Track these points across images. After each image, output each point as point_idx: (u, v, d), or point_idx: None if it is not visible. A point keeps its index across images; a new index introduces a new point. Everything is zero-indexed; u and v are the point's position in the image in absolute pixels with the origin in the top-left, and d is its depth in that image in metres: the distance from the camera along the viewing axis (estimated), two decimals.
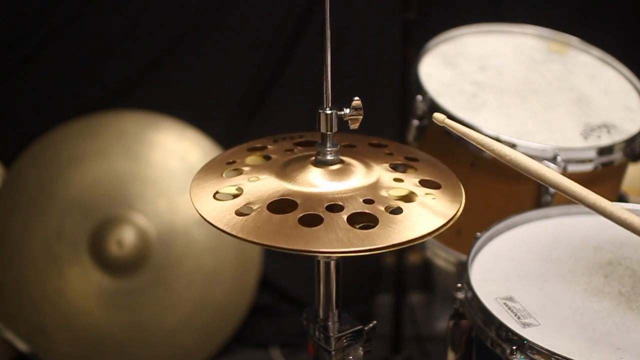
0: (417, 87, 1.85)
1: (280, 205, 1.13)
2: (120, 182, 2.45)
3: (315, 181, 1.18)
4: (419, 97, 1.83)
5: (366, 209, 1.12)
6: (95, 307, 2.42)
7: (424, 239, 1.10)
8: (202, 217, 1.14)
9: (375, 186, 1.17)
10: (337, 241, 1.06)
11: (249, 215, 1.11)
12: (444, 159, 1.32)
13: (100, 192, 2.44)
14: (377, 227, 1.09)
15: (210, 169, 1.26)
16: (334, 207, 1.12)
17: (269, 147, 1.31)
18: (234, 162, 1.26)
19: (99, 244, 2.42)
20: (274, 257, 2.58)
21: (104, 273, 2.42)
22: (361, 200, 1.13)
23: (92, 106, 2.53)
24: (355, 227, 1.09)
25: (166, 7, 2.56)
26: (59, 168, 2.46)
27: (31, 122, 2.55)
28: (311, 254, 1.07)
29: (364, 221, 1.10)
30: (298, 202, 1.13)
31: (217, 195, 1.18)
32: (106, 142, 2.49)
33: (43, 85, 2.56)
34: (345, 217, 1.09)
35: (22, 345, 2.38)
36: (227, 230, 1.09)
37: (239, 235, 1.08)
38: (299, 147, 1.30)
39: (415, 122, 1.85)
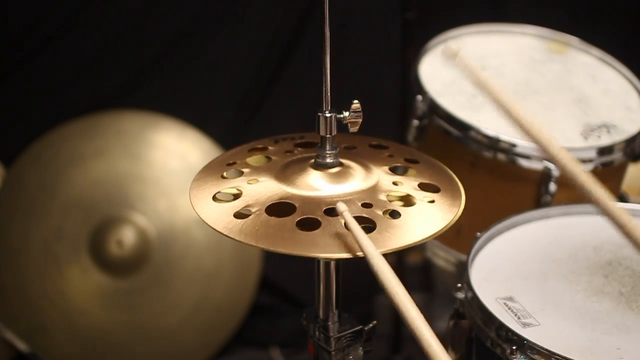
0: (417, 87, 1.85)
1: (279, 208, 1.13)
2: (120, 182, 2.45)
3: (314, 184, 1.18)
4: (419, 97, 1.83)
5: (364, 213, 1.12)
6: (95, 307, 2.42)
7: (421, 242, 1.10)
8: (202, 219, 1.14)
9: (374, 190, 1.17)
10: (334, 246, 1.06)
11: (248, 218, 1.11)
12: (444, 159, 1.31)
13: (100, 192, 2.44)
14: (374, 231, 1.08)
15: (211, 170, 1.26)
16: (333, 211, 1.12)
17: (270, 148, 1.31)
18: (234, 163, 1.26)
19: (99, 244, 2.42)
20: (274, 257, 2.58)
21: (104, 273, 2.41)
22: (359, 204, 1.13)
23: (92, 106, 2.53)
24: None
25: (166, 7, 2.56)
26: (59, 168, 2.46)
27: (31, 122, 2.55)
28: (309, 257, 1.07)
29: (363, 224, 1.10)
30: (296, 205, 1.13)
31: (216, 197, 1.18)
32: (106, 142, 2.48)
33: (43, 85, 2.56)
34: (343, 221, 1.09)
35: (22, 345, 2.38)
36: (226, 232, 1.09)
37: (237, 238, 1.08)
38: (300, 149, 1.30)
39: (415, 122, 1.85)
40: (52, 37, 2.51)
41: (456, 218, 1.15)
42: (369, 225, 1.10)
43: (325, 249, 1.06)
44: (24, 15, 2.51)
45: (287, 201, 1.14)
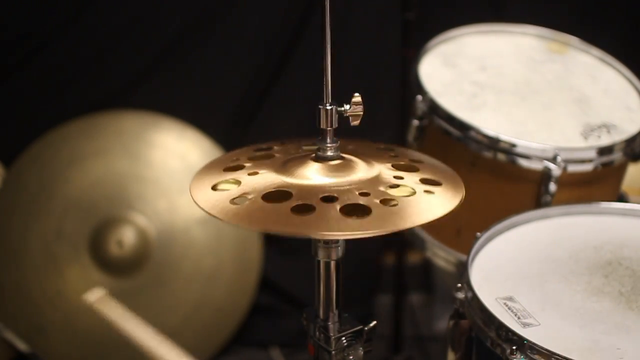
0: (417, 87, 1.85)
1: (275, 196, 1.14)
2: (120, 182, 2.45)
3: (312, 175, 1.18)
4: (419, 97, 1.83)
5: (361, 200, 1.12)
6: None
7: (415, 226, 1.10)
8: (196, 203, 1.14)
9: (374, 181, 1.17)
10: (327, 227, 1.07)
11: (243, 204, 1.12)
12: (444, 159, 1.32)
13: (100, 192, 2.44)
14: (369, 216, 1.09)
15: (214, 165, 1.26)
16: (329, 199, 1.12)
17: (276, 147, 1.31)
18: (237, 159, 1.27)
19: (99, 244, 2.42)
20: (274, 257, 2.58)
21: (104, 273, 2.42)
22: (357, 193, 1.14)
23: (92, 106, 2.53)
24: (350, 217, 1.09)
25: (166, 7, 2.56)
26: (58, 168, 2.46)
27: (31, 122, 2.55)
28: (300, 235, 1.07)
29: (359, 213, 1.10)
30: (293, 192, 1.13)
31: (215, 187, 1.18)
32: (106, 142, 2.49)
33: (43, 85, 2.56)
34: (338, 207, 1.10)
35: (22, 345, 2.38)
36: (221, 216, 1.10)
37: (231, 221, 1.09)
38: (305, 149, 1.30)
39: (415, 122, 1.85)
40: (52, 37, 2.51)
41: (453, 208, 1.14)
42: (365, 215, 1.10)
43: (318, 229, 1.06)
44: (24, 15, 2.51)
45: (284, 189, 1.15)
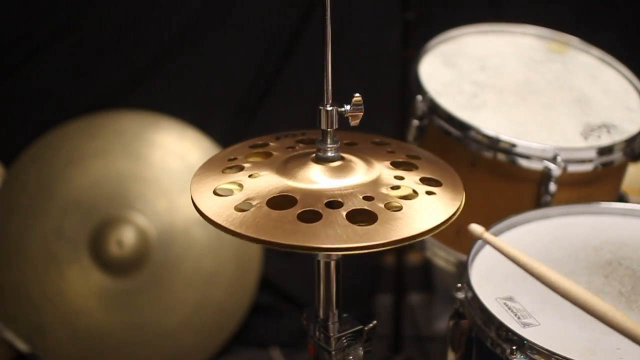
0: (417, 87, 1.85)
1: (280, 202, 1.13)
2: (120, 182, 2.45)
3: (315, 178, 1.18)
4: (419, 97, 1.83)
5: (365, 205, 1.12)
6: (95, 307, 2.42)
7: (423, 237, 1.10)
8: (201, 212, 1.13)
9: (375, 183, 1.17)
10: (335, 237, 1.06)
11: (248, 211, 1.11)
12: (444, 159, 1.32)
13: (100, 192, 2.44)
14: (376, 223, 1.08)
15: (211, 165, 1.26)
16: (333, 204, 1.12)
17: (271, 144, 1.31)
18: (235, 158, 1.26)
19: (99, 244, 2.42)
20: (274, 257, 2.58)
21: (104, 273, 2.42)
22: (361, 197, 1.14)
23: (92, 106, 2.53)
24: (355, 224, 1.09)
25: (166, 7, 2.56)
26: (58, 168, 2.46)
27: (31, 122, 2.55)
28: (310, 251, 1.06)
29: (364, 218, 1.10)
30: (297, 198, 1.13)
31: (217, 191, 1.18)
32: (106, 142, 2.49)
33: (43, 85, 2.56)
34: (344, 213, 1.09)
35: (22, 345, 2.38)
36: (226, 225, 1.09)
37: (238, 230, 1.08)
38: (301, 145, 1.30)
39: (415, 122, 1.85)
40: (52, 37, 2.51)
41: (459, 212, 1.15)
42: (370, 222, 1.09)
43: (326, 241, 1.06)
44: (24, 15, 2.51)
45: (288, 194, 1.14)
